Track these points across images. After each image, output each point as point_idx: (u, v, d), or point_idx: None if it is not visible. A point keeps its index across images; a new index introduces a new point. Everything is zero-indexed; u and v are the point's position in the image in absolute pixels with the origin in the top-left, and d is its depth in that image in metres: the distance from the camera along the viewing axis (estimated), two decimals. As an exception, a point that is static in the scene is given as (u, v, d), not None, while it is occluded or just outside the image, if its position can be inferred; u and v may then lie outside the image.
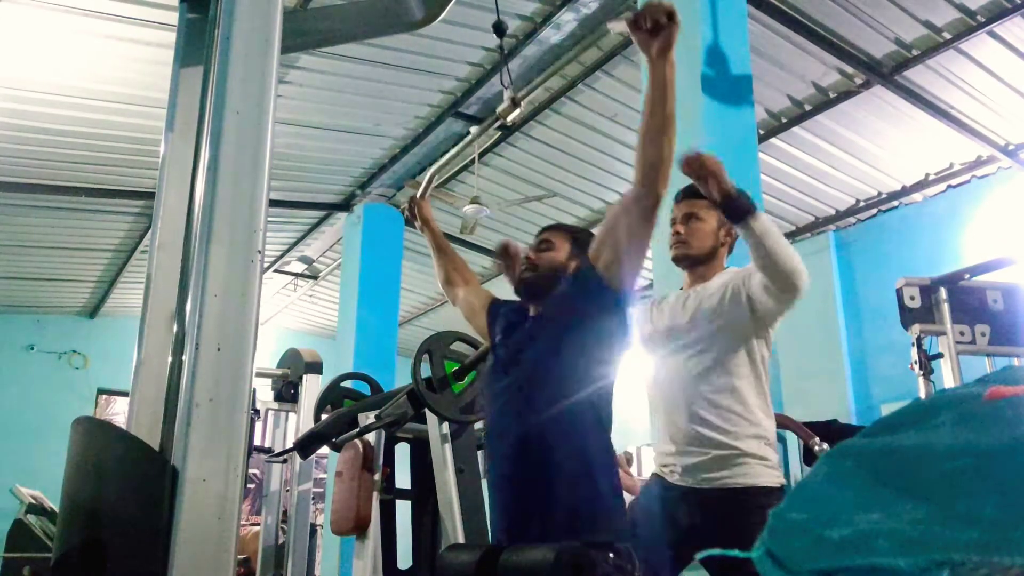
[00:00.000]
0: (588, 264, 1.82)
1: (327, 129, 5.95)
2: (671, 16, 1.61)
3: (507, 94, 2.02)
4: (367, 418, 3.08)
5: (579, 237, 2.00)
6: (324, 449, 3.57)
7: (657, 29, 1.63)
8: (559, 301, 1.87)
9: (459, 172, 6.53)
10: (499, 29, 2.64)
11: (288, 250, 8.11)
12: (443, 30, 4.52)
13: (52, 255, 7.54)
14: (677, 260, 2.15)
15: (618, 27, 1.86)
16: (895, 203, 6.42)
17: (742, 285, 1.99)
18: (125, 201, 6.55)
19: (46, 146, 5.65)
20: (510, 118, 2.10)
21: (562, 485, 1.70)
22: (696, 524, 1.91)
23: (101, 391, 9.12)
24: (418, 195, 2.59)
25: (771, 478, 1.91)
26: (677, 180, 2.23)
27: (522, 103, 2.03)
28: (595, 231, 2.01)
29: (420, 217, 2.55)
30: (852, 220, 6.70)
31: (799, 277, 1.88)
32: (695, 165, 1.85)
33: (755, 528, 1.86)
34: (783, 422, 3.08)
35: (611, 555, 1.63)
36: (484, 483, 3.21)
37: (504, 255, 2.27)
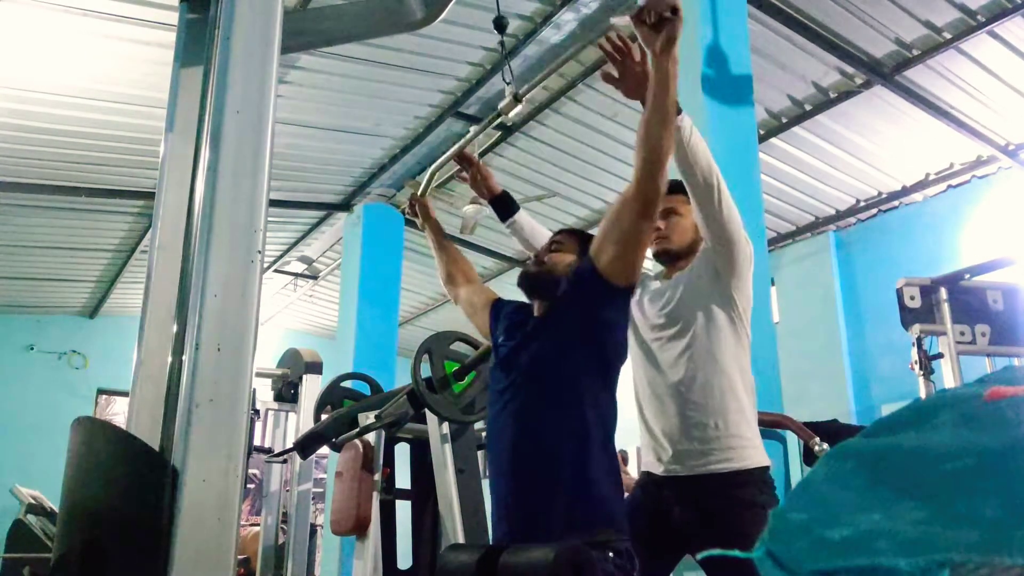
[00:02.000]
0: (589, 262, 1.83)
1: (327, 129, 5.95)
2: (675, 10, 1.61)
3: (509, 90, 1.99)
4: (367, 418, 3.08)
5: (590, 240, 2.02)
6: (324, 449, 3.57)
7: (661, 24, 1.62)
8: (561, 300, 1.88)
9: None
10: (499, 25, 2.62)
11: (288, 250, 8.11)
12: (443, 30, 4.52)
13: (52, 255, 7.54)
14: (658, 255, 2.20)
15: (621, 22, 1.83)
16: (895, 203, 6.42)
17: (703, 255, 2.09)
18: (125, 201, 6.54)
19: (46, 146, 5.65)
20: (512, 114, 2.07)
21: (561, 485, 1.70)
22: (690, 512, 1.92)
23: (101, 391, 9.12)
24: (419, 193, 2.58)
25: (757, 459, 1.94)
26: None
27: (524, 100, 2.01)
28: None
29: (421, 215, 2.54)
30: (852, 220, 6.70)
31: (718, 175, 1.95)
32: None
33: (747, 512, 1.88)
34: (783, 422, 3.07)
35: (611, 554, 1.63)
36: (485, 483, 3.21)
37: (463, 160, 2.41)
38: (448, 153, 2.28)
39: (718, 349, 2.00)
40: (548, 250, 2.00)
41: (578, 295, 1.83)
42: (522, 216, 2.46)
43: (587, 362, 1.78)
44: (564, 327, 1.82)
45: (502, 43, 2.47)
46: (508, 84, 2.10)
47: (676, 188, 2.15)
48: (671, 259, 2.18)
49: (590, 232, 2.10)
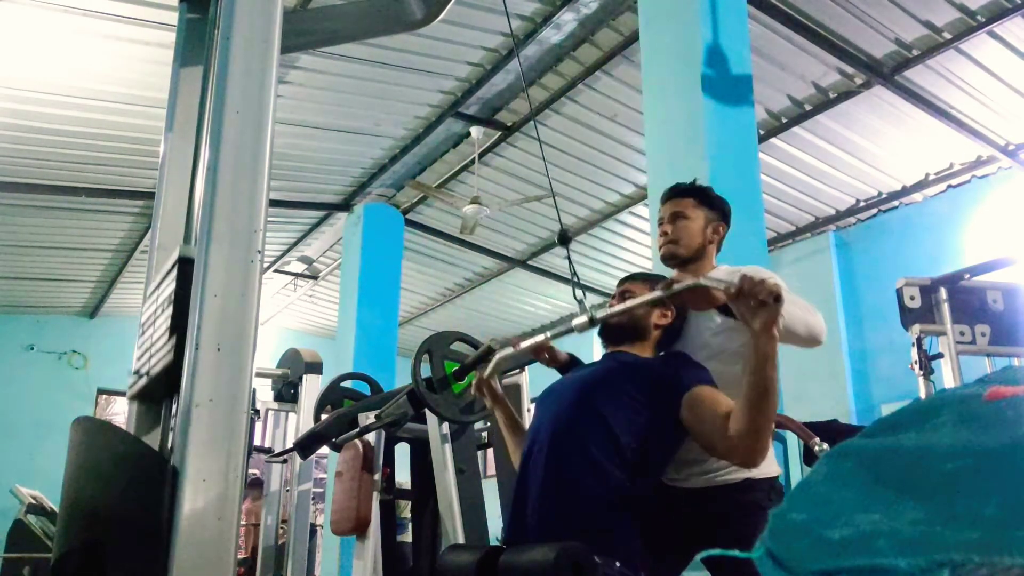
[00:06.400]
0: (680, 401, 1.83)
1: (327, 129, 5.95)
2: (777, 298, 1.56)
3: (583, 317, 1.91)
4: (367, 418, 3.08)
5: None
6: (324, 449, 3.57)
7: (761, 306, 1.59)
8: (646, 371, 1.92)
9: (459, 172, 6.53)
10: (564, 239, 2.53)
11: (288, 250, 8.11)
12: (443, 30, 4.52)
13: (52, 255, 7.54)
14: (666, 259, 2.14)
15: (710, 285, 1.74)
16: (895, 203, 6.41)
17: None
18: (125, 201, 6.54)
19: (46, 146, 5.65)
20: (577, 326, 1.97)
21: (594, 502, 1.74)
22: (698, 517, 1.92)
23: (101, 391, 9.12)
24: (485, 375, 2.25)
25: (766, 468, 1.94)
26: (667, 180, 2.24)
27: (597, 314, 1.94)
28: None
29: (490, 396, 2.24)
30: (852, 220, 6.70)
31: (821, 335, 1.90)
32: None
33: (755, 515, 1.85)
34: (783, 422, 3.07)
35: (617, 564, 1.63)
36: (486, 483, 3.21)
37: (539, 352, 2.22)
38: (527, 347, 2.14)
39: (729, 370, 1.97)
40: (621, 299, 2.03)
41: (656, 387, 1.86)
42: None
43: (640, 410, 1.83)
44: (631, 391, 1.86)
45: (569, 258, 2.36)
46: (581, 302, 2.03)
47: (685, 192, 2.13)
48: (680, 263, 2.13)
49: (657, 276, 2.10)
